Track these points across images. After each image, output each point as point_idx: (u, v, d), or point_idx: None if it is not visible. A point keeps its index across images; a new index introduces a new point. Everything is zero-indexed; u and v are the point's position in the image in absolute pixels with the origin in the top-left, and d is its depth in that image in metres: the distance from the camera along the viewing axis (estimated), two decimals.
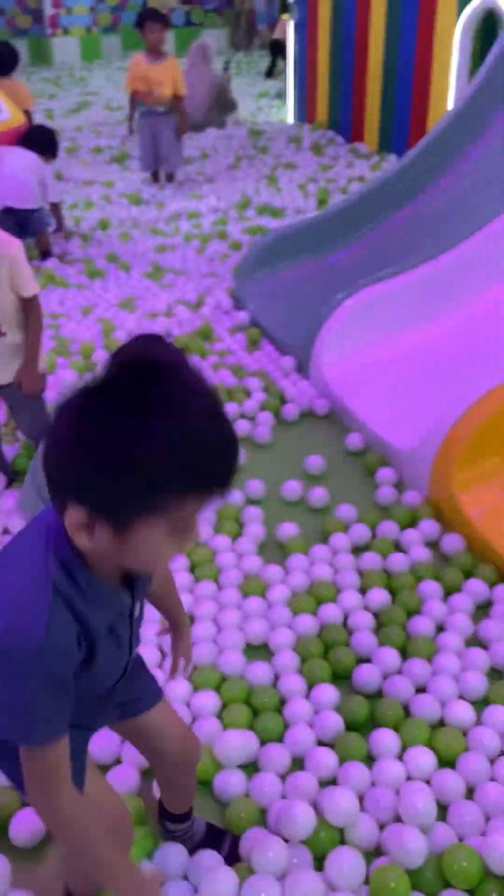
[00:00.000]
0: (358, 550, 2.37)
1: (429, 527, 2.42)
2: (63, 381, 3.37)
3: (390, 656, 1.94)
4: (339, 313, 3.39)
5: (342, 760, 1.69)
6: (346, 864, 1.43)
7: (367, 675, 1.89)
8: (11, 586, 0.92)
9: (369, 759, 1.71)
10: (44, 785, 0.95)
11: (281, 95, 9.87)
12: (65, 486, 0.87)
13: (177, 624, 1.31)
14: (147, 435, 0.80)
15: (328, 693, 1.85)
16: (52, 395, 2.87)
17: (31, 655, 0.88)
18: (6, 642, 0.89)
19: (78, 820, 0.98)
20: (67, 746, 0.96)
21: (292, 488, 2.65)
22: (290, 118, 8.95)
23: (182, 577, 2.22)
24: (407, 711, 1.83)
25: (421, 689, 1.87)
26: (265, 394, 3.27)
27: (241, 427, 3.01)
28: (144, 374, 0.82)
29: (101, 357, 3.56)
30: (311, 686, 1.88)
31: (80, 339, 3.83)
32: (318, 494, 2.60)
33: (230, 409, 3.14)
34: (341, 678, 1.93)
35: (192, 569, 2.29)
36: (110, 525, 0.85)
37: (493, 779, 1.64)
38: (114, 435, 0.80)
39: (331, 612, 2.09)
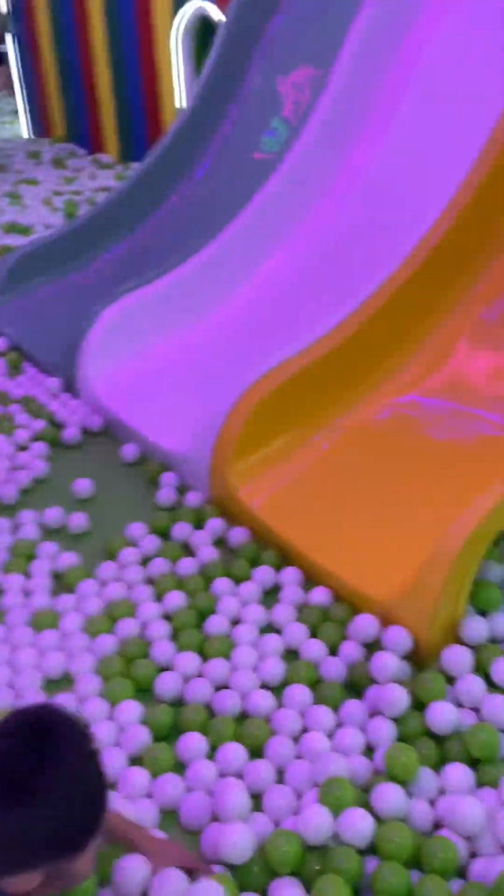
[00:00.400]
0: (147, 560, 2.36)
1: (215, 525, 2.46)
2: None
3: (190, 661, 1.95)
4: (98, 325, 3.35)
5: (154, 774, 1.67)
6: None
7: (169, 684, 1.89)
8: None
9: (179, 768, 1.71)
10: None
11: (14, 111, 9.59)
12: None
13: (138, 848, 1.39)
14: (29, 823, 0.90)
15: (131, 708, 1.82)
16: None
17: None
18: None
19: None
20: None
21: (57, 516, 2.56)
22: (26, 133, 8.72)
23: None
24: (211, 712, 1.85)
25: (222, 687, 1.90)
26: (36, 418, 3.15)
27: (21, 460, 2.87)
28: (31, 754, 0.91)
29: None
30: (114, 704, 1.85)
31: None
32: (78, 520, 2.54)
33: None
34: (145, 691, 1.92)
35: None
36: None
37: (298, 757, 1.70)
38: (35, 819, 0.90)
39: (128, 627, 2.07)
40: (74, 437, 3.04)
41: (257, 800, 1.62)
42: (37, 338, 3.76)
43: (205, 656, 1.98)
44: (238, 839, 1.47)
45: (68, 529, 2.53)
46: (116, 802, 1.50)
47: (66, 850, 0.96)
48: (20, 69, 8.36)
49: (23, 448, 2.99)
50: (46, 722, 0.97)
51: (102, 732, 1.76)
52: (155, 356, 3.37)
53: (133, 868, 1.38)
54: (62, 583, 2.30)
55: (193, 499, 2.60)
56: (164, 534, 2.47)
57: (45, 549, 2.41)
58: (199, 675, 1.93)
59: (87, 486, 2.71)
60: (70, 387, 3.38)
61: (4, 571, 2.31)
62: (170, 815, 1.62)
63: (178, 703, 1.88)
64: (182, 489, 2.69)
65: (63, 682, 1.96)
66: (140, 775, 1.66)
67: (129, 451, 2.91)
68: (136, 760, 1.73)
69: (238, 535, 2.41)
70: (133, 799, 1.61)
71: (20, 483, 2.73)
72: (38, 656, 2.00)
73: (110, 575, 2.29)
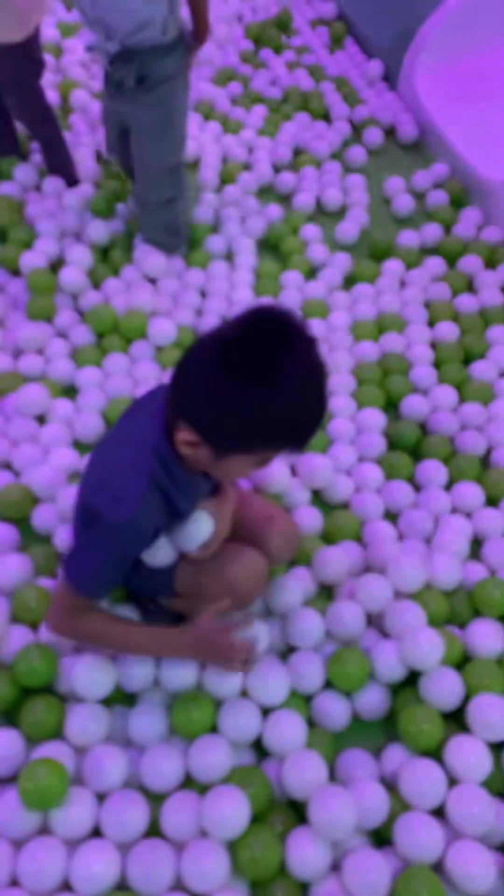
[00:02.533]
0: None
1: None
2: None
3: (446, 392, 1.86)
4: (443, 10, 2.87)
5: (388, 477, 1.69)
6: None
7: (417, 406, 1.83)
8: (115, 469, 1.08)
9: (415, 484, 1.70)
10: (64, 614, 1.16)
11: None
12: (186, 412, 1.01)
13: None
14: (266, 401, 0.94)
15: (375, 416, 1.80)
16: None
17: (114, 529, 1.06)
18: (101, 510, 1.06)
19: (94, 634, 1.18)
20: (98, 602, 1.17)
21: None
22: None
23: None
24: (454, 447, 1.78)
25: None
26: (344, 104, 2.87)
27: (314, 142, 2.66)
28: (277, 345, 0.93)
29: None
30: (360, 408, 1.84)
31: None
32: None
33: (301, 119, 2.77)
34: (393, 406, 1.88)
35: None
36: (212, 450, 1.02)
37: None
38: (241, 394, 0.94)
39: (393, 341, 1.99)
40: (376, 141, 2.75)
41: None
42: (368, 11, 3.31)
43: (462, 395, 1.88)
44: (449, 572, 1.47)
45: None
46: None
47: (291, 442, 1.02)
48: None
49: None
50: (284, 319, 0.98)
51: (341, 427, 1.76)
52: (496, 66, 2.89)
53: None
54: None
55: (491, 234, 2.33)
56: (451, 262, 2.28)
57: None
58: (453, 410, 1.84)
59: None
60: (389, 77, 3.02)
61: None
62: None
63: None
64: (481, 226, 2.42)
65: None
66: (375, 472, 1.68)
67: (440, 170, 2.60)
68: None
69: None
70: None
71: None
72: None
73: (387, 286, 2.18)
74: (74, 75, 2.79)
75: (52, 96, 2.67)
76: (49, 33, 2.95)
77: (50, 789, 1.12)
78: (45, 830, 1.16)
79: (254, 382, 0.93)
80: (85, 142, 2.51)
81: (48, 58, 2.76)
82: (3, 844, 1.11)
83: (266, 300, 2.09)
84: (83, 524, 1.12)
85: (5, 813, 1.13)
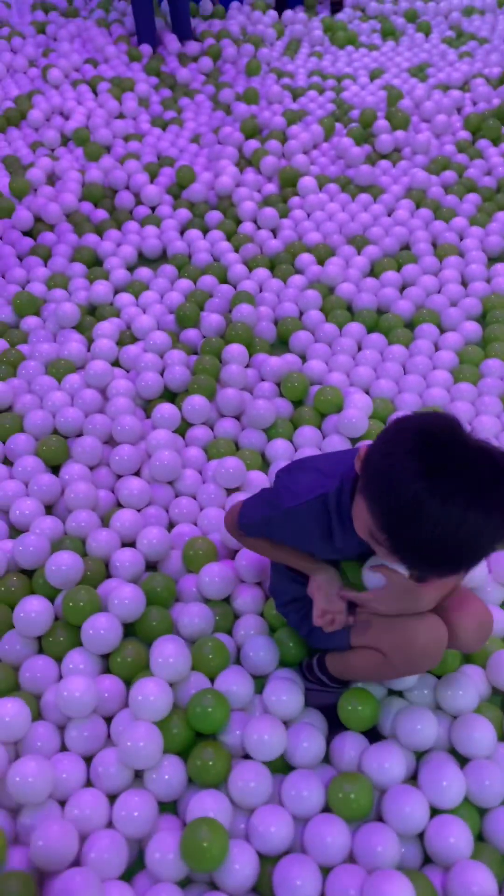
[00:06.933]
0: None
1: None
2: (338, 147, 3.13)
3: None
4: None
5: None
6: None
7: None
8: (310, 470, 1.23)
9: None
10: (232, 526, 1.36)
11: None
12: (373, 499, 1.01)
13: None
14: (460, 530, 0.93)
15: None
16: None
17: (273, 506, 1.22)
18: (277, 490, 1.24)
19: (251, 546, 1.35)
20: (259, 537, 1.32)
21: None
22: None
23: None
24: None
25: None
26: None
27: None
28: (486, 476, 0.93)
29: (381, 127, 3.24)
30: None
31: (363, 106, 3.51)
32: None
33: None
34: None
35: None
36: (385, 547, 1.03)
37: None
38: (440, 521, 0.93)
39: None
40: None
41: None
42: None
43: None
44: None
45: None
46: None
47: (427, 564, 1.01)
48: None
49: None
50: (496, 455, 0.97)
51: None
52: None
53: None
54: None
55: None
56: None
57: None
58: None
59: None
60: None
61: None
62: None
63: None
64: None
65: None
66: None
67: None
68: None
69: None
70: None
71: None
72: None
73: None
74: None
75: None
76: None
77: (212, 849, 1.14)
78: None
79: (458, 509, 0.92)
80: None
81: None
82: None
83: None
84: (271, 486, 1.28)
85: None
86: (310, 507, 1.17)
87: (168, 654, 1.35)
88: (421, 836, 1.24)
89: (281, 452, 1.89)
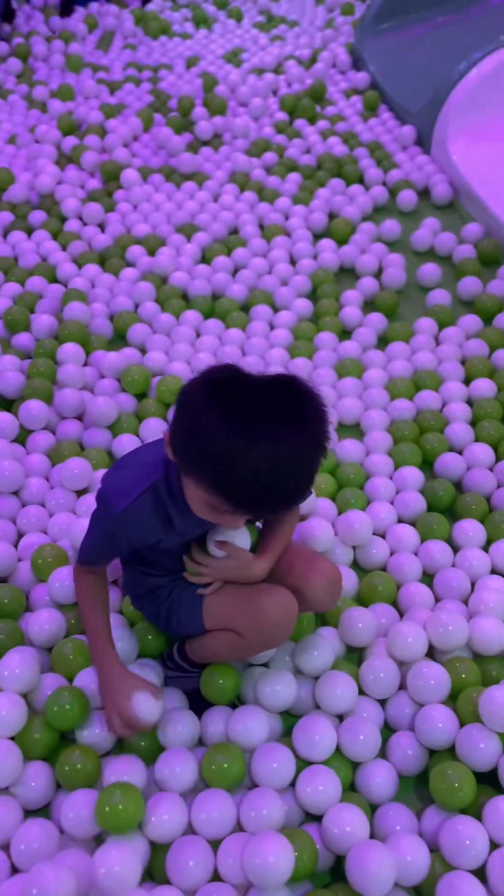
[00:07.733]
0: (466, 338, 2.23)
1: None
2: (159, 137, 3.13)
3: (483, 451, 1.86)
4: (473, 75, 2.97)
5: (424, 538, 1.68)
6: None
7: (453, 464, 1.83)
8: (130, 466, 1.22)
9: (452, 543, 1.69)
10: (75, 568, 1.34)
11: None
12: (198, 471, 1.03)
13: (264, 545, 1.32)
14: (280, 454, 0.97)
15: (414, 475, 1.80)
16: None
17: (106, 515, 1.19)
18: (104, 496, 1.20)
19: (77, 595, 1.34)
20: (98, 571, 1.33)
21: None
22: None
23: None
24: (490, 505, 1.77)
25: None
26: (378, 168, 2.96)
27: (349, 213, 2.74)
28: (282, 399, 0.99)
29: (199, 114, 3.25)
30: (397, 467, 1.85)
31: (179, 94, 3.51)
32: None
33: (335, 185, 2.86)
34: (428, 464, 1.88)
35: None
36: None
37: None
38: (260, 455, 0.96)
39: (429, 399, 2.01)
40: (410, 202, 2.82)
41: None
42: (400, 81, 3.44)
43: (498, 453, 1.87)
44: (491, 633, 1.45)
45: None
46: None
47: (267, 506, 1.05)
48: None
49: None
50: (298, 387, 1.02)
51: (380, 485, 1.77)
52: None
53: None
54: None
55: None
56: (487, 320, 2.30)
57: None
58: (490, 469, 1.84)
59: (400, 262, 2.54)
60: (422, 141, 3.10)
61: None
62: None
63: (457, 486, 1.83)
64: None
65: (354, 428, 1.97)
66: (411, 534, 1.67)
67: (472, 230, 2.63)
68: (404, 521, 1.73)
69: None
70: None
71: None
72: (335, 398, 2.01)
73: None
74: None
75: None
76: None
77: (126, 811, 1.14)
78: None
79: (231, 434, 0.96)
80: None
81: None
82: None
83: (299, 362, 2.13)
84: (96, 496, 1.25)
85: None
86: (143, 500, 1.16)
87: (14, 665, 1.31)
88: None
89: (128, 448, 1.87)
